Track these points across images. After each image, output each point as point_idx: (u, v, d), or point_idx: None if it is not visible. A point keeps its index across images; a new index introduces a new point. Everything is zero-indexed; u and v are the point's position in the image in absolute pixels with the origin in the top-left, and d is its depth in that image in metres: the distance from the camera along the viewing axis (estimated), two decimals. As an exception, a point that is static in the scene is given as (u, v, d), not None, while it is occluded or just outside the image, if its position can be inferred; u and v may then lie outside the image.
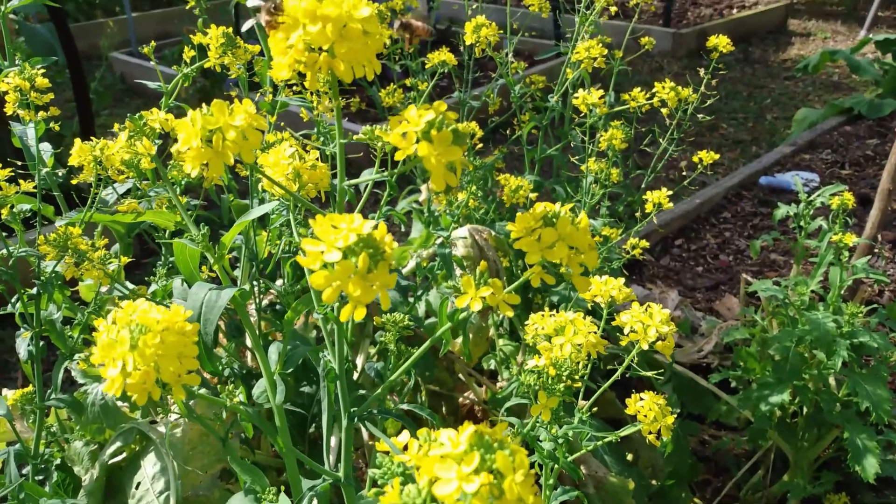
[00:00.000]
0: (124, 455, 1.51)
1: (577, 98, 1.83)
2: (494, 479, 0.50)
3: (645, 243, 1.92)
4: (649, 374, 1.06)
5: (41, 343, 1.38)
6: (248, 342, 1.70)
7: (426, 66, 1.96)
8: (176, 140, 1.01)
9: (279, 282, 1.85)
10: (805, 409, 1.97)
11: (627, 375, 1.08)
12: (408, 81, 2.29)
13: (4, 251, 1.27)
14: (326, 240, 0.58)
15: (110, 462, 1.49)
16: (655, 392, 1.01)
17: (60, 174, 1.35)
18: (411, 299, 2.00)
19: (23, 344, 1.34)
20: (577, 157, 2.09)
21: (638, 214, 1.88)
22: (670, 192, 1.78)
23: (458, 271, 1.84)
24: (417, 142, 0.61)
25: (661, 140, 2.12)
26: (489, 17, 2.10)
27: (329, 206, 1.35)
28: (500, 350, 2.09)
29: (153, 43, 1.54)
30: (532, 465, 1.02)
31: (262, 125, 0.68)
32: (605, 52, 1.92)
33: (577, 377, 0.90)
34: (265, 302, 1.77)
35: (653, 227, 2.17)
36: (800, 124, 4.71)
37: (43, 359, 1.42)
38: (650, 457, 1.91)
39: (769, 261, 3.36)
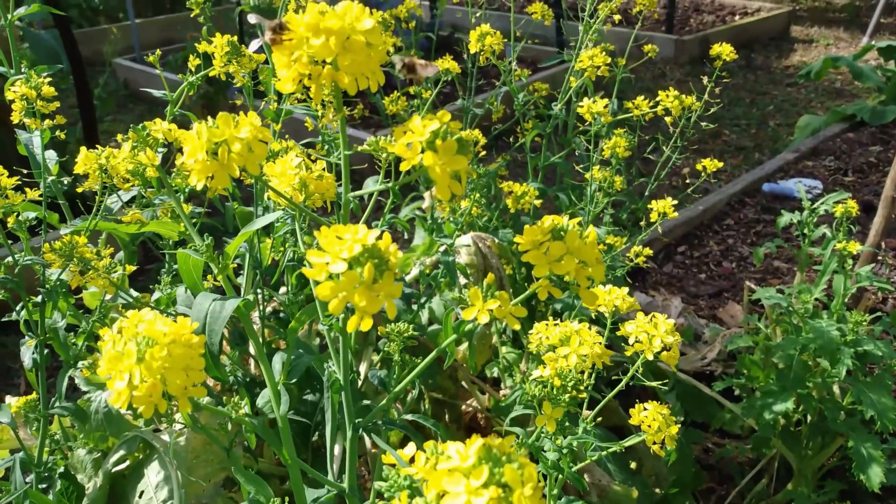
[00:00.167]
0: (128, 463, 1.51)
1: (581, 107, 1.83)
2: (503, 493, 0.50)
3: (648, 251, 1.92)
4: (654, 384, 1.06)
5: (45, 351, 1.38)
6: (252, 350, 1.70)
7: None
8: (180, 150, 1.01)
9: (283, 289, 1.86)
10: (809, 418, 1.96)
11: (631, 384, 1.08)
12: (411, 89, 2.30)
13: (10, 259, 1.27)
14: (331, 251, 0.58)
15: (114, 470, 1.49)
16: (659, 400, 1.00)
17: (66, 182, 1.35)
18: (414, 307, 2.00)
19: (27, 352, 1.34)
20: (581, 166, 2.09)
21: (643, 223, 1.88)
22: (675, 202, 1.78)
23: (461, 279, 1.84)
24: (422, 152, 0.61)
25: (664, 148, 2.13)
26: (492, 24, 2.11)
27: (332, 213, 1.35)
28: (504, 358, 2.08)
29: (158, 52, 1.54)
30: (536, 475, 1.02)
31: (268, 137, 0.68)
32: (609, 60, 1.92)
33: (581, 388, 0.89)
34: (268, 309, 1.77)
35: (656, 235, 2.17)
36: (802, 131, 4.71)
37: (46, 366, 1.42)
38: (654, 465, 1.90)
39: (772, 268, 3.35)
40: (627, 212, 2.28)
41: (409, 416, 1.08)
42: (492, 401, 2.02)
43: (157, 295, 1.59)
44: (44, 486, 1.48)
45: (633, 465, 1.86)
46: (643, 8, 2.17)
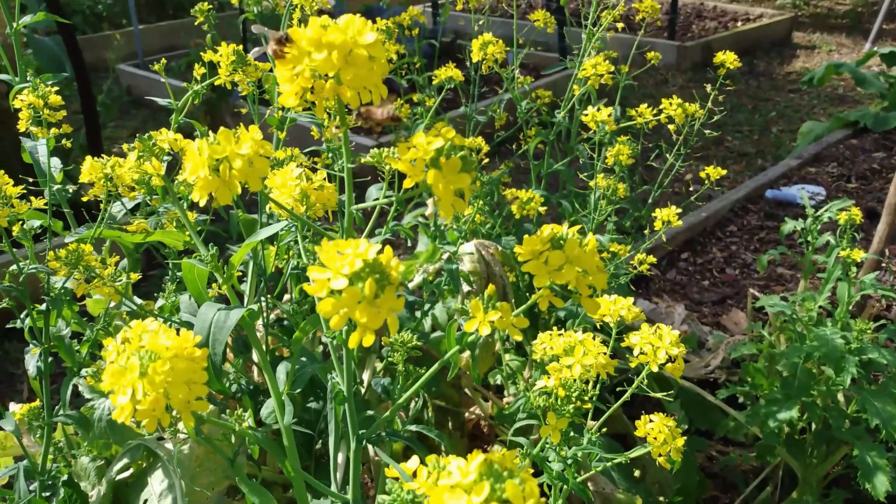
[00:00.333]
0: (131, 471, 1.51)
1: (586, 115, 1.83)
2: (504, 509, 0.50)
3: (652, 259, 1.92)
4: (659, 395, 1.06)
5: (49, 359, 1.38)
6: (255, 358, 1.70)
7: (433, 82, 1.97)
8: (183, 155, 1.02)
9: (286, 297, 1.86)
10: (814, 426, 1.95)
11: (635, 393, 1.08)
12: (415, 97, 2.30)
13: (14, 267, 1.28)
14: (332, 266, 0.58)
15: (117, 478, 1.49)
16: (663, 408, 1.00)
17: (70, 190, 1.35)
18: (417, 314, 2.00)
19: (32, 360, 1.35)
20: (585, 175, 2.09)
21: (647, 232, 1.88)
22: (679, 210, 1.78)
23: (465, 287, 1.84)
24: (426, 169, 0.61)
25: (667, 156, 2.13)
26: (495, 30, 2.11)
27: (335, 222, 1.35)
28: (507, 365, 2.08)
29: (164, 60, 1.55)
30: (541, 486, 1.02)
31: (269, 152, 0.68)
32: (612, 68, 1.93)
33: (586, 398, 0.89)
34: (272, 317, 1.77)
35: (659, 242, 2.17)
36: (805, 137, 4.70)
37: (50, 373, 1.42)
38: (658, 473, 1.90)
39: (776, 275, 3.35)
40: (631, 219, 2.28)
41: (413, 427, 1.07)
42: (495, 408, 2.02)
43: (160, 302, 1.59)
44: (47, 493, 1.48)
45: (636, 473, 1.86)
46: (646, 15, 2.17)
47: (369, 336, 0.58)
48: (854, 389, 1.79)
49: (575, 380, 0.90)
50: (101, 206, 1.30)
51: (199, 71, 1.40)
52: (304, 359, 1.18)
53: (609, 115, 1.86)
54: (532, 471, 1.07)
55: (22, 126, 1.28)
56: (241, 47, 1.35)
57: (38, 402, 1.46)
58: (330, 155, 1.51)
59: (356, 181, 0.79)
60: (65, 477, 1.54)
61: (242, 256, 0.86)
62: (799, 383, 1.84)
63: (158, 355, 0.65)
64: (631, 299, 1.07)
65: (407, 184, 0.62)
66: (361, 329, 0.58)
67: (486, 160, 2.08)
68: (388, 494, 0.61)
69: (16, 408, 1.53)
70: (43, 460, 1.46)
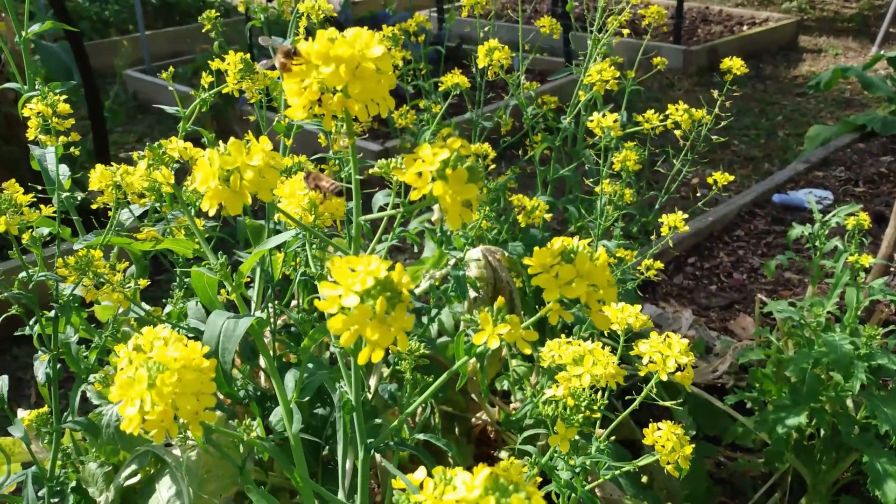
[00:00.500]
0: (139, 478, 1.52)
1: (591, 122, 1.83)
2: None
3: (659, 264, 1.92)
4: (668, 403, 1.05)
5: (58, 365, 1.39)
6: (263, 364, 1.70)
7: (439, 88, 1.97)
8: (193, 164, 1.02)
9: (293, 302, 1.86)
10: (822, 432, 1.94)
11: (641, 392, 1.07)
12: (421, 103, 2.31)
13: (24, 274, 1.28)
14: (344, 283, 0.58)
15: (125, 484, 1.50)
16: (670, 413, 1.00)
17: (79, 198, 1.36)
18: (424, 319, 2.00)
19: (41, 367, 1.35)
20: (591, 180, 2.09)
21: (653, 237, 1.88)
22: (685, 215, 1.78)
23: (471, 293, 1.84)
24: (433, 180, 0.61)
25: (674, 161, 2.12)
26: (500, 35, 2.11)
27: (342, 228, 1.35)
28: (514, 371, 2.08)
29: (171, 69, 1.56)
30: (548, 494, 1.02)
31: (280, 163, 0.68)
32: (617, 74, 1.93)
33: (595, 407, 0.89)
34: (279, 322, 1.77)
35: (666, 247, 2.17)
36: (812, 141, 4.69)
37: (59, 379, 1.42)
38: (666, 480, 1.89)
39: (783, 279, 3.33)
40: (638, 225, 2.28)
41: (421, 436, 1.07)
42: (502, 414, 2.02)
43: (168, 308, 1.60)
44: (56, 500, 1.48)
45: (644, 479, 1.85)
46: (652, 21, 2.17)
47: (378, 352, 0.58)
48: (863, 395, 1.78)
49: (584, 389, 0.89)
50: (110, 213, 1.31)
51: (206, 79, 1.40)
52: (310, 365, 1.18)
53: (615, 121, 1.86)
54: (540, 479, 1.07)
55: (31, 134, 1.29)
56: (248, 55, 1.35)
57: (46, 408, 1.46)
58: (336, 162, 1.51)
59: (362, 189, 0.79)
60: (73, 483, 1.55)
61: (251, 265, 0.86)
62: (807, 389, 1.83)
63: (166, 366, 0.65)
64: (639, 307, 1.06)
65: (414, 195, 0.62)
66: (371, 346, 0.58)
67: (493, 166, 2.08)
68: (396, 506, 0.61)
69: (24, 413, 1.53)
70: (51, 466, 1.47)
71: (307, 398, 1.01)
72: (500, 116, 2.36)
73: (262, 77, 1.34)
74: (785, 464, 2.04)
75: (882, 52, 5.79)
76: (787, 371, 1.94)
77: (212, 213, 0.67)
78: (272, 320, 1.63)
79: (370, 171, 0.86)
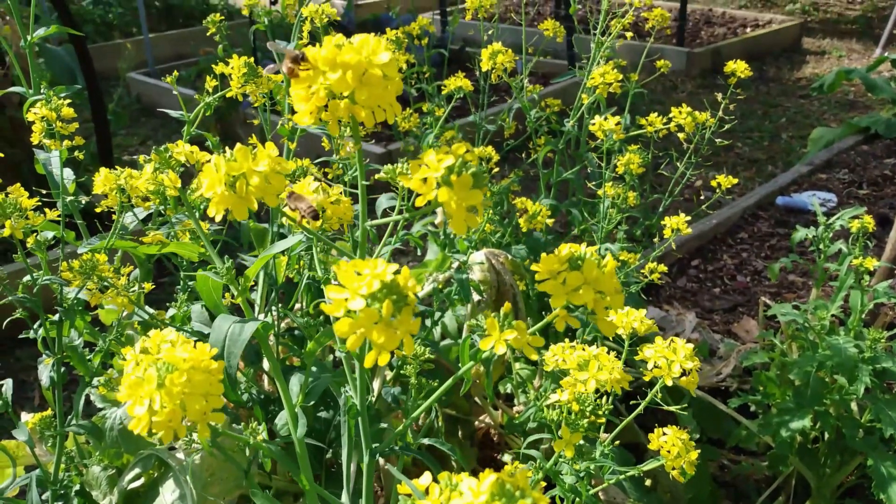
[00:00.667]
0: (143, 481, 1.52)
1: (593, 125, 1.83)
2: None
3: (663, 268, 1.91)
4: (673, 408, 1.05)
5: (62, 369, 1.39)
6: (266, 366, 1.71)
7: (442, 92, 1.97)
8: (199, 168, 1.02)
9: (297, 305, 1.86)
10: (827, 435, 1.94)
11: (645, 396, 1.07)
12: (424, 107, 2.31)
13: (28, 278, 1.28)
14: (350, 287, 0.58)
15: (129, 488, 1.50)
16: (674, 416, 1.00)
17: (83, 202, 1.36)
18: (427, 322, 2.00)
19: (45, 371, 1.35)
20: (594, 183, 2.09)
21: (656, 240, 1.88)
22: (688, 218, 1.77)
23: (474, 296, 1.84)
24: (438, 186, 0.61)
25: (678, 164, 2.12)
26: (503, 38, 2.12)
27: (347, 232, 1.35)
28: (517, 374, 2.08)
29: (176, 73, 1.56)
30: (552, 498, 1.01)
31: (286, 169, 0.68)
32: (620, 77, 1.92)
33: (600, 412, 0.89)
34: (283, 325, 1.77)
35: (669, 249, 2.16)
36: (816, 143, 4.68)
37: (62, 382, 1.42)
38: (669, 483, 1.89)
39: (787, 282, 3.33)
40: (641, 228, 2.27)
41: (425, 441, 1.07)
42: (505, 417, 2.01)
43: (171, 312, 1.60)
44: (59, 503, 1.48)
45: (648, 482, 1.85)
46: (655, 24, 2.17)
47: (384, 356, 0.58)
48: (868, 399, 1.78)
49: (589, 394, 0.89)
50: (114, 216, 1.31)
51: (210, 83, 1.41)
52: (314, 369, 1.18)
53: (617, 124, 1.86)
54: (545, 484, 1.07)
55: (35, 139, 1.29)
56: (251, 59, 1.36)
57: (49, 412, 1.46)
58: (340, 166, 1.51)
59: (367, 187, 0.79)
60: (77, 486, 1.55)
61: (257, 270, 0.87)
62: (812, 392, 1.83)
63: (176, 367, 0.65)
64: (644, 311, 1.06)
65: (419, 202, 0.63)
66: (377, 349, 0.58)
67: (496, 169, 2.08)
68: (402, 510, 0.61)
69: (28, 416, 1.53)
70: (55, 469, 1.47)
71: (311, 402, 1.01)
72: (504, 119, 2.36)
73: (266, 81, 1.34)
74: (789, 467, 2.03)
75: (886, 55, 5.78)
76: (791, 374, 1.93)
77: (218, 218, 0.67)
78: (276, 324, 1.63)
79: (376, 176, 0.86)
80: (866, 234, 1.99)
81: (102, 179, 1.18)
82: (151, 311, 1.49)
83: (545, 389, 1.75)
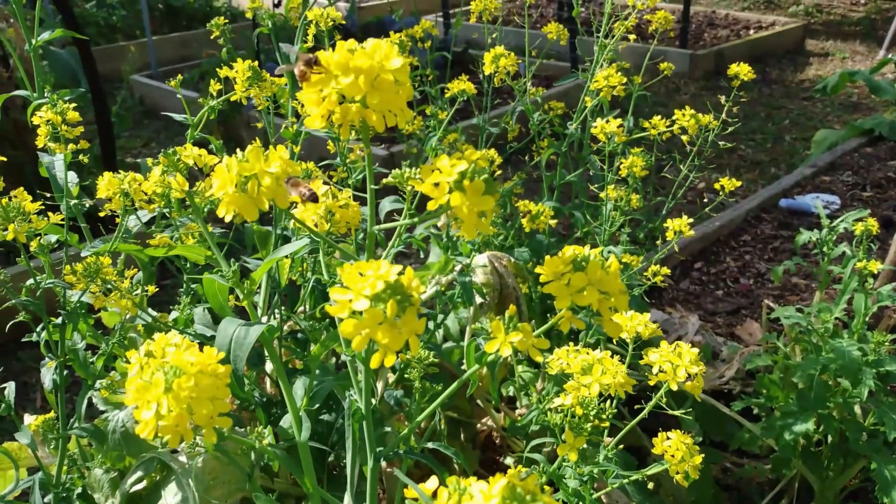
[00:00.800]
0: (145, 484, 1.52)
1: (596, 127, 1.83)
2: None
3: (666, 270, 1.91)
4: (677, 412, 1.05)
5: (64, 371, 1.39)
6: (268, 369, 1.71)
7: (445, 95, 1.97)
8: (200, 170, 1.02)
9: (300, 308, 1.86)
10: (830, 439, 1.94)
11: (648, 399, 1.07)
12: (428, 109, 2.31)
13: (31, 281, 1.29)
14: (354, 288, 0.58)
15: (131, 491, 1.50)
16: (677, 419, 0.99)
17: (87, 205, 1.36)
18: (430, 325, 2.00)
19: (48, 373, 1.35)
20: (596, 186, 2.09)
21: (659, 242, 1.87)
22: (691, 220, 1.77)
23: (477, 299, 1.84)
24: (450, 191, 0.61)
25: (681, 167, 2.12)
26: (507, 41, 2.12)
27: (347, 235, 1.35)
28: (519, 377, 2.07)
29: (180, 76, 1.56)
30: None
31: (297, 171, 0.68)
32: (624, 80, 1.92)
33: (604, 416, 0.89)
34: (285, 328, 1.77)
35: (672, 252, 2.17)
36: (819, 145, 4.68)
37: (65, 385, 1.42)
38: (672, 486, 1.88)
39: (790, 284, 3.32)
40: (645, 230, 2.27)
41: (430, 445, 1.07)
42: (507, 420, 2.01)
43: (174, 315, 1.60)
44: (62, 506, 1.49)
45: (650, 485, 1.84)
46: (659, 26, 2.17)
47: (390, 357, 0.58)
48: (871, 402, 1.77)
49: (593, 398, 0.89)
50: (117, 220, 1.31)
51: (214, 87, 1.41)
52: (318, 372, 1.18)
53: (620, 127, 1.86)
54: (548, 488, 1.06)
55: (40, 142, 1.30)
56: (255, 63, 1.36)
57: (52, 414, 1.46)
58: (345, 169, 1.51)
59: (364, 195, 0.79)
60: (79, 489, 1.55)
61: (263, 273, 0.87)
62: (815, 395, 1.82)
63: (183, 371, 0.66)
64: (648, 315, 1.06)
65: (431, 206, 0.63)
66: (383, 350, 0.58)
67: (499, 171, 2.08)
68: (407, 514, 0.61)
69: (30, 419, 1.54)
70: (57, 472, 1.47)
71: (316, 406, 1.01)
72: (507, 122, 2.37)
73: (270, 84, 1.35)
74: (792, 470, 2.03)
75: (889, 56, 5.77)
76: (794, 377, 1.93)
77: (228, 219, 0.67)
78: (279, 325, 1.63)
79: (384, 181, 0.87)
80: (870, 237, 1.99)
81: (106, 184, 1.18)
82: (154, 313, 1.49)
83: (548, 392, 1.75)
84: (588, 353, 0.95)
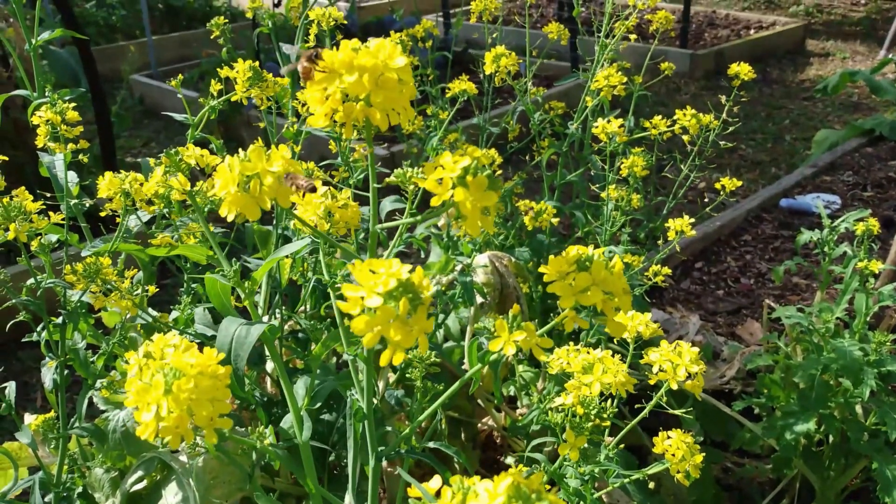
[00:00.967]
0: (145, 483, 1.52)
1: (597, 127, 1.83)
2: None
3: (667, 270, 1.91)
4: (678, 412, 1.05)
5: (65, 371, 1.39)
6: (269, 368, 1.71)
7: (446, 95, 1.97)
8: (202, 170, 1.02)
9: (300, 308, 1.86)
10: (831, 438, 1.93)
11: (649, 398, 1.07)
12: (429, 109, 2.31)
13: (32, 281, 1.29)
14: (366, 285, 0.59)
15: (131, 490, 1.50)
16: (678, 418, 0.99)
17: (87, 205, 1.36)
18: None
19: (48, 373, 1.35)
20: (597, 186, 2.09)
21: (660, 242, 1.87)
22: (692, 220, 1.77)
23: (478, 299, 1.84)
24: (453, 187, 0.62)
25: (682, 167, 2.12)
26: (507, 41, 2.11)
27: (347, 235, 1.35)
28: (520, 376, 2.07)
29: (181, 76, 1.56)
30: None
31: (299, 171, 0.68)
32: (624, 79, 1.92)
33: (605, 415, 0.89)
34: (286, 327, 1.77)
35: (672, 252, 2.17)
36: (820, 145, 4.68)
37: (65, 384, 1.42)
38: (673, 485, 1.88)
39: (791, 284, 3.32)
40: (645, 230, 2.27)
41: (431, 444, 1.07)
42: (508, 419, 2.01)
43: (174, 314, 1.60)
44: (63, 506, 1.48)
45: (651, 485, 1.84)
46: (659, 26, 2.17)
47: (399, 354, 0.59)
48: (873, 402, 1.77)
49: (594, 398, 0.89)
50: (118, 219, 1.31)
51: (215, 87, 1.41)
52: (319, 371, 1.18)
53: (621, 126, 1.86)
54: (549, 487, 1.06)
55: (40, 142, 1.30)
56: (256, 63, 1.36)
57: (52, 413, 1.46)
58: (346, 168, 1.51)
59: (365, 194, 0.79)
60: (79, 489, 1.55)
61: (264, 273, 0.87)
62: (816, 395, 1.82)
63: (183, 372, 0.65)
64: (649, 315, 1.06)
65: (434, 202, 0.63)
66: (393, 347, 0.58)
67: (500, 171, 2.08)
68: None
69: (31, 418, 1.54)
70: (58, 472, 1.47)
71: (317, 405, 1.01)
72: (508, 122, 2.36)
73: (272, 84, 1.35)
74: (793, 470, 2.02)
75: (890, 56, 5.77)
76: (795, 377, 1.93)
77: (230, 218, 0.68)
78: (280, 326, 1.63)
79: (387, 180, 0.87)
80: (871, 237, 1.99)
81: (107, 183, 1.18)
82: (155, 313, 1.49)
83: (549, 392, 1.75)
84: (589, 353, 0.95)
